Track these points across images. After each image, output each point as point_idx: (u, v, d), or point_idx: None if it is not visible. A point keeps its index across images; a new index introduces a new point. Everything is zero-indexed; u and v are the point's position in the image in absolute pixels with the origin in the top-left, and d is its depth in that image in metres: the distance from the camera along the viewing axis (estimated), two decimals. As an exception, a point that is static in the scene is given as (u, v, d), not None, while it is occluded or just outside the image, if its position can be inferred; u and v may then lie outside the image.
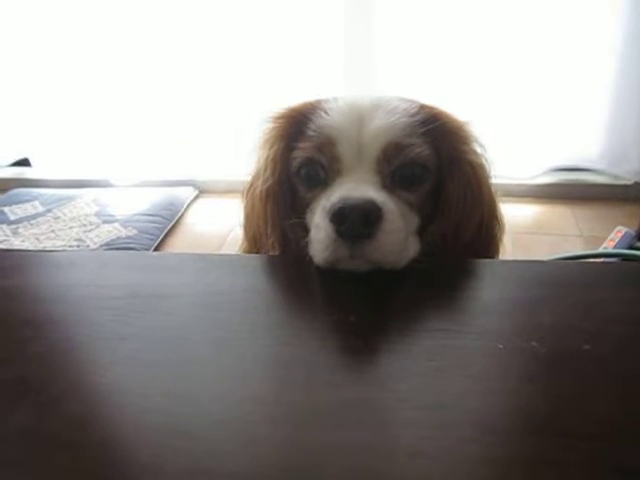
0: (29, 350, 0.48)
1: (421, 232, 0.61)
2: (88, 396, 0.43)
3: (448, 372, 0.42)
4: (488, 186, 0.63)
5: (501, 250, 0.67)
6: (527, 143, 2.18)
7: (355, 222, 0.52)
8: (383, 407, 0.39)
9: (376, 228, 0.52)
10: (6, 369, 0.45)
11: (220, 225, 2.09)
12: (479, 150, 0.63)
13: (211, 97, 2.29)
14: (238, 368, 0.44)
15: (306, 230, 0.59)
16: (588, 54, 2.03)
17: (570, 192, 2.21)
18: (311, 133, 0.60)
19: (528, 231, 1.98)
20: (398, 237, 0.55)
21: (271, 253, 0.64)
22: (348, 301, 0.52)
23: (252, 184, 0.66)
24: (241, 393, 0.42)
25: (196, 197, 2.36)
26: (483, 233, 0.63)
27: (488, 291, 0.55)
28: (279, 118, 0.64)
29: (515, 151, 2.15)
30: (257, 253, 0.66)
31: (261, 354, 0.46)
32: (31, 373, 0.45)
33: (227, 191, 2.28)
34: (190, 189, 2.36)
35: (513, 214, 2.01)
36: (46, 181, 2.52)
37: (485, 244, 0.64)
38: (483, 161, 0.63)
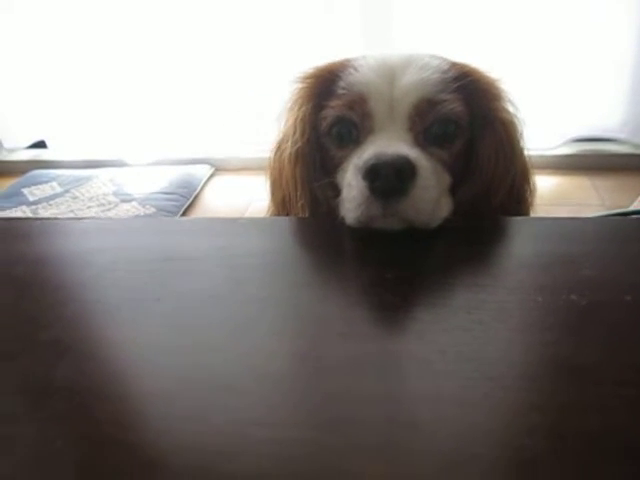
0: (64, 313, 0.48)
1: (453, 192, 0.60)
2: (126, 353, 0.43)
3: (488, 325, 0.41)
4: (520, 146, 0.62)
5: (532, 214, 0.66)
6: (547, 113, 2.13)
7: (389, 178, 0.51)
8: (423, 358, 0.39)
9: (410, 184, 0.52)
10: (44, 331, 0.45)
11: (237, 202, 2.09)
12: (511, 109, 0.62)
13: (227, 74, 2.27)
14: (274, 325, 0.44)
15: (336, 191, 0.58)
16: (610, 21, 1.98)
17: (591, 162, 2.17)
18: (341, 91, 0.59)
19: (549, 203, 1.95)
20: (431, 194, 0.54)
21: (300, 216, 0.63)
22: (383, 259, 0.51)
23: (279, 147, 0.65)
24: (278, 348, 0.41)
25: (212, 175, 2.36)
26: (514, 195, 0.61)
27: (524, 247, 0.54)
28: (307, 78, 0.63)
29: (535, 122, 2.10)
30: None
31: (295, 311, 0.46)
32: (67, 334, 0.45)
33: (243, 168, 2.28)
34: (206, 167, 2.36)
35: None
36: (63, 162, 2.53)
37: (516, 206, 0.62)
38: (515, 120, 0.61)
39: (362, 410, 0.35)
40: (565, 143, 2.22)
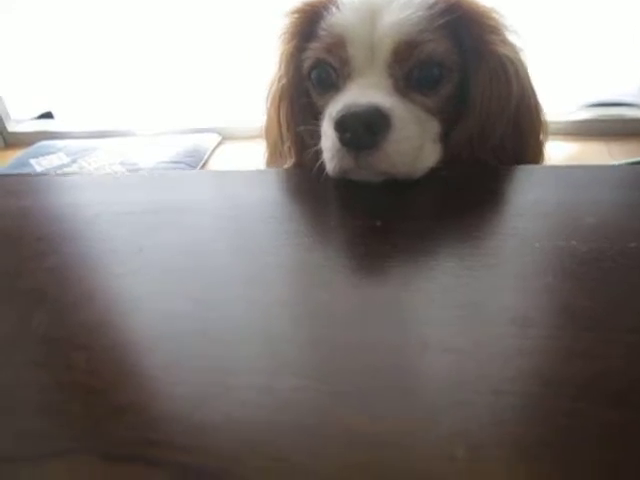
0: (44, 264, 0.46)
1: (444, 138, 0.56)
2: (105, 303, 0.41)
3: (481, 271, 0.39)
4: (521, 80, 0.56)
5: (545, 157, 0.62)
6: (562, 78, 2.07)
7: (358, 131, 0.48)
8: (412, 306, 0.37)
9: (381, 137, 0.49)
10: (22, 280, 0.44)
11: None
12: (510, 39, 0.56)
13: (234, 42, 2.23)
14: (262, 274, 0.42)
15: (320, 137, 0.55)
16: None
17: (606, 128, 2.11)
18: (322, 32, 0.55)
19: (562, 169, 1.90)
20: (409, 146, 0.50)
21: (288, 160, 0.61)
22: (373, 208, 0.48)
23: (270, 85, 0.62)
24: (265, 297, 0.39)
25: (219, 143, 2.33)
26: (516, 134, 0.57)
27: (522, 195, 0.51)
28: (294, 13, 0.59)
29: (549, 87, 2.04)
30: (278, 162, 0.63)
31: (284, 260, 0.44)
32: (46, 284, 0.44)
33: (251, 137, 2.23)
34: (214, 135, 2.33)
35: (547, 152, 1.92)
36: (70, 133, 2.51)
37: (520, 147, 0.58)
38: (513, 52, 0.56)
39: (344, 358, 0.33)
40: (581, 108, 2.16)
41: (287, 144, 0.60)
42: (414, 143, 0.51)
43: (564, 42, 2.00)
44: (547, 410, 0.29)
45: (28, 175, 0.68)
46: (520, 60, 0.56)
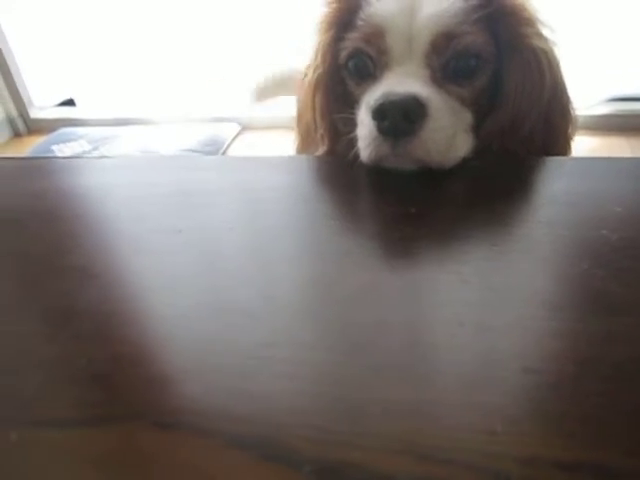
0: (86, 243, 0.48)
1: (476, 129, 0.57)
2: (146, 280, 0.43)
3: (513, 256, 0.40)
4: (553, 73, 0.57)
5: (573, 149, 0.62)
6: (583, 72, 2.06)
7: (396, 119, 0.49)
8: (447, 287, 0.38)
9: (418, 125, 0.50)
10: (67, 259, 0.46)
11: (263, 160, 2.07)
12: (544, 33, 0.57)
13: (254, 31, 2.24)
14: (292, 254, 0.44)
15: (355, 126, 0.56)
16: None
17: (627, 123, 2.09)
18: (360, 22, 0.56)
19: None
20: (443, 135, 0.52)
21: (320, 148, 0.62)
22: (406, 195, 0.49)
23: (305, 74, 0.63)
24: (298, 276, 0.41)
25: (239, 133, 2.34)
26: (546, 127, 0.58)
27: (553, 185, 0.52)
28: (332, 3, 0.60)
29: (570, 81, 2.03)
30: (309, 149, 0.64)
31: (313, 241, 0.45)
32: (90, 262, 0.45)
33: (270, 127, 2.26)
34: (233, 125, 2.35)
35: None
36: (91, 120, 2.54)
37: (549, 139, 0.59)
38: (547, 45, 0.57)
39: (383, 334, 0.35)
40: (602, 103, 2.14)
41: (320, 132, 0.61)
42: (448, 132, 0.52)
43: (585, 36, 1.99)
44: (579, 389, 0.30)
45: (60, 158, 0.70)
46: (553, 53, 0.57)
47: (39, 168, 0.65)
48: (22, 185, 0.60)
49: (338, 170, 0.57)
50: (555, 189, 0.50)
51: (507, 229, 0.43)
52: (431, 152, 0.51)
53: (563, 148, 0.61)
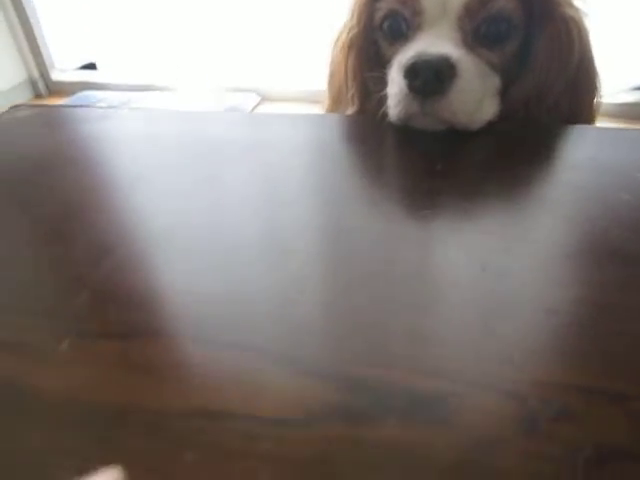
0: (130, 192, 0.49)
1: (503, 94, 0.58)
2: (190, 230, 0.43)
3: (534, 211, 0.42)
4: (583, 43, 0.58)
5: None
6: (605, 60, 2.04)
7: (427, 78, 0.51)
8: (471, 235, 0.40)
9: (447, 85, 0.51)
10: (107, 199, 0.48)
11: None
12: (575, 3, 0.58)
13: (276, 3, 2.23)
14: (323, 206, 0.45)
15: (385, 85, 0.58)
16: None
17: (651, 112, 2.08)
18: None
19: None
20: (472, 96, 0.53)
21: (350, 108, 0.64)
22: (433, 153, 0.51)
23: (339, 36, 0.64)
24: (328, 225, 0.43)
25: (259, 103, 2.35)
26: (572, 96, 0.59)
27: (575, 151, 0.53)
28: None
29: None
30: (340, 109, 0.66)
31: (343, 194, 0.47)
32: (126, 204, 0.47)
33: (290, 98, 2.26)
34: (253, 95, 2.36)
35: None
36: (111, 85, 2.56)
37: (575, 109, 0.60)
38: (578, 14, 0.58)
39: (408, 278, 0.36)
40: (624, 91, 2.13)
41: (351, 92, 0.63)
42: (476, 95, 0.54)
43: (607, 25, 1.96)
44: (596, 328, 0.32)
45: (96, 108, 0.72)
46: (584, 23, 0.58)
47: (77, 115, 0.67)
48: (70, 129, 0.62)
49: (367, 128, 0.59)
50: (578, 155, 0.52)
51: (529, 189, 0.45)
52: (458, 113, 0.52)
53: (588, 118, 0.62)
